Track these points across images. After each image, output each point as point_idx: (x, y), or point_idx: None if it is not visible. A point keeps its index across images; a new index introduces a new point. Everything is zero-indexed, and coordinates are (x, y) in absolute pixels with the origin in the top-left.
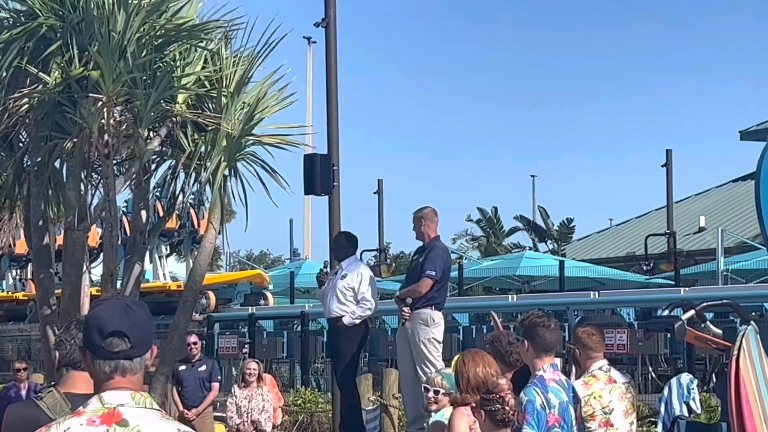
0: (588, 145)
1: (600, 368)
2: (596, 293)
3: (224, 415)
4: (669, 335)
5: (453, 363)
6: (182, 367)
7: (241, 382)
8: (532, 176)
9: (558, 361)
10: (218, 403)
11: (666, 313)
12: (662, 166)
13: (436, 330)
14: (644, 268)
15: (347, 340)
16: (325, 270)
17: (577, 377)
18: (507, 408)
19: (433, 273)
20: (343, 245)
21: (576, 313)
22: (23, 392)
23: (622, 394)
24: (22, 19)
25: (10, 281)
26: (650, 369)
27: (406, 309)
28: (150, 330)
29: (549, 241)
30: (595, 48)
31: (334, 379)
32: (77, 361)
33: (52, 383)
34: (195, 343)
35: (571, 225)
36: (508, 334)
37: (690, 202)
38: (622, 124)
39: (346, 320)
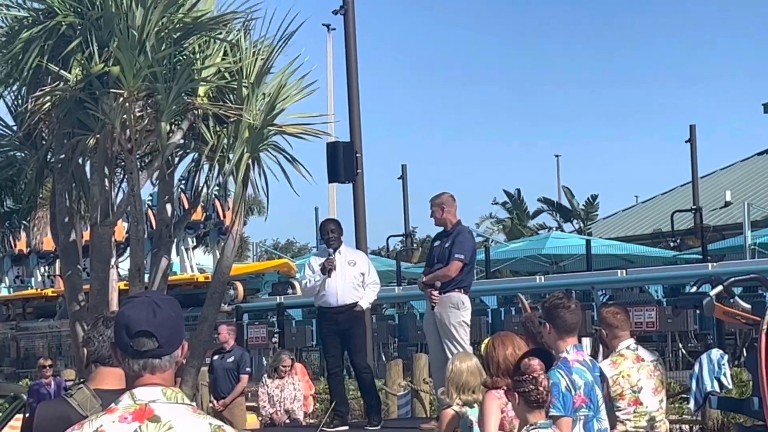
0: (611, 123)
1: (627, 347)
2: (623, 271)
3: (256, 405)
4: (698, 311)
5: (483, 347)
6: (215, 357)
7: (273, 373)
8: (556, 156)
9: (587, 341)
10: (249, 393)
11: (694, 289)
12: (686, 141)
13: (465, 313)
14: (671, 244)
15: (361, 324)
16: (331, 258)
17: (605, 357)
18: (541, 389)
19: (462, 256)
20: (338, 231)
21: (604, 292)
22: (51, 388)
23: (651, 372)
24: (41, 17)
25: (39, 278)
26: (680, 346)
27: (435, 293)
28: (179, 327)
29: (575, 221)
30: (616, 24)
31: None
32: (105, 358)
33: (82, 380)
34: (221, 334)
35: (596, 203)
36: (539, 315)
37: (715, 176)
38: (645, 100)
39: (363, 304)
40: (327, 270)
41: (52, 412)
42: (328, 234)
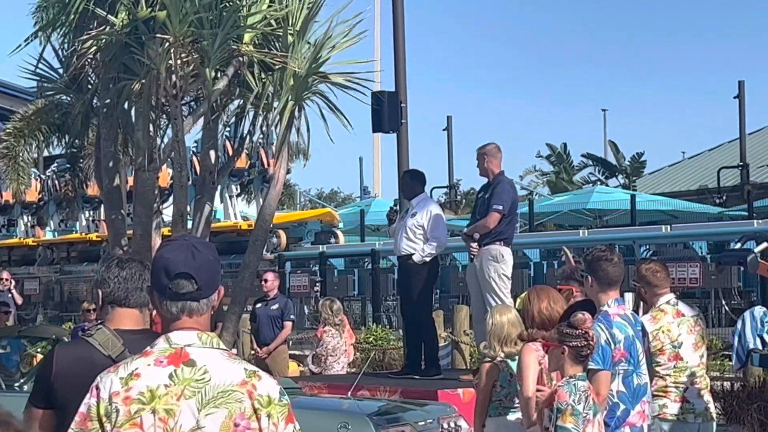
0: (659, 78)
1: (667, 302)
2: (668, 227)
3: (300, 353)
4: (742, 268)
5: (518, 300)
6: (258, 305)
7: (336, 326)
8: (603, 110)
9: (629, 296)
10: (291, 341)
11: (739, 245)
12: (734, 97)
13: (505, 265)
14: (717, 200)
15: (418, 277)
16: (395, 207)
17: (645, 313)
18: (592, 343)
19: (500, 207)
20: (408, 183)
21: (648, 247)
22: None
23: (691, 327)
24: None
25: (83, 222)
26: (723, 302)
27: (474, 245)
28: (217, 271)
29: (620, 176)
30: None
31: (405, 316)
32: (121, 299)
33: (100, 321)
34: (267, 281)
35: (642, 159)
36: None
37: (763, 133)
38: (693, 56)
39: (416, 258)
40: (389, 219)
41: (73, 353)
42: (401, 183)
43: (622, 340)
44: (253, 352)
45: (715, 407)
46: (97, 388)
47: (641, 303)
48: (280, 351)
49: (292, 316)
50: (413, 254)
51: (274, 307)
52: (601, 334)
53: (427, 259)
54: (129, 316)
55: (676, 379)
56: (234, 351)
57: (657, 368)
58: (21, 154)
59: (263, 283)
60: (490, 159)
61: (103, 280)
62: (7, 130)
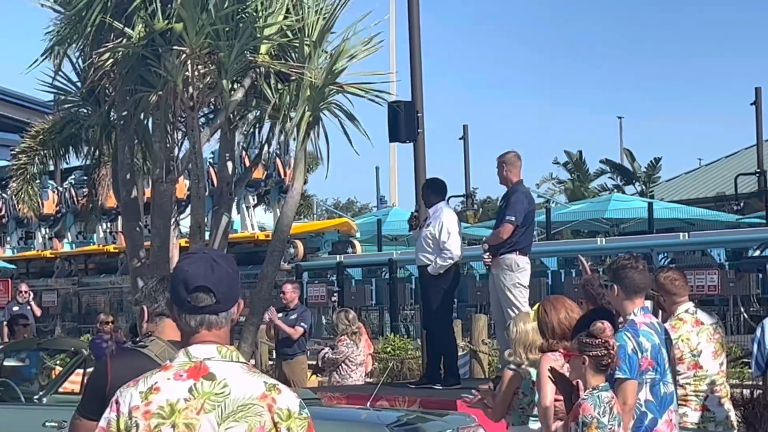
0: (675, 84)
1: (686, 311)
2: (685, 234)
3: (317, 363)
4: (761, 275)
5: (533, 312)
6: (279, 315)
7: (353, 336)
8: (619, 118)
9: (648, 303)
10: (309, 351)
11: (757, 253)
12: (751, 104)
13: (521, 275)
14: (734, 207)
15: (436, 286)
16: (415, 214)
17: (663, 321)
18: (612, 352)
19: (513, 218)
20: (426, 193)
21: (665, 255)
22: (113, 344)
23: (710, 335)
24: None
25: (101, 234)
26: (742, 310)
27: (486, 255)
28: (236, 284)
29: (636, 183)
30: None
31: (425, 326)
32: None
33: (151, 332)
34: (286, 293)
35: (659, 166)
36: (599, 277)
37: None
38: (709, 62)
39: (430, 269)
40: (410, 226)
41: (129, 364)
42: (421, 193)
43: (649, 349)
44: (271, 362)
45: (735, 415)
46: (117, 402)
47: (660, 311)
48: (298, 361)
49: (303, 324)
50: (429, 265)
51: (293, 317)
52: (627, 343)
53: (441, 271)
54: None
55: (696, 387)
56: (252, 362)
57: (677, 377)
58: (34, 175)
59: (282, 294)
60: (509, 168)
61: (152, 297)
62: (23, 146)
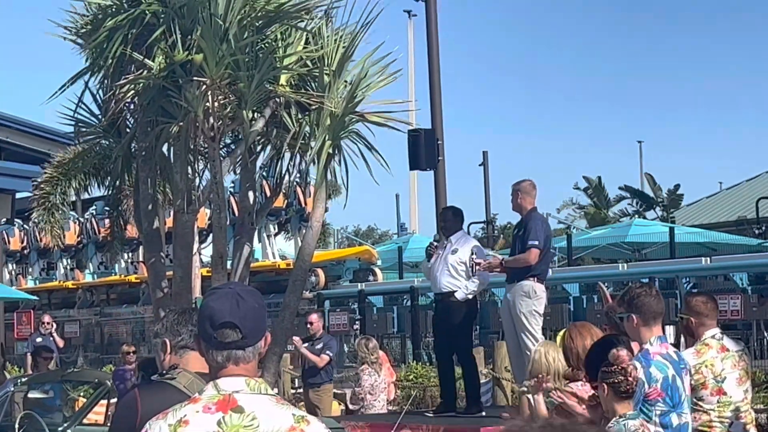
0: (695, 108)
1: (713, 336)
2: (708, 259)
3: (340, 391)
4: None
5: (559, 338)
6: (305, 345)
7: (373, 364)
8: (639, 142)
9: (670, 329)
10: (332, 380)
11: None
12: None
13: (538, 302)
14: (756, 231)
15: (459, 313)
16: (435, 243)
17: (688, 347)
18: (630, 379)
19: (537, 242)
20: (450, 219)
21: (687, 280)
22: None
23: (735, 362)
24: (126, 6)
25: (123, 265)
26: (765, 334)
27: (478, 260)
28: (262, 318)
29: (657, 208)
30: (699, 10)
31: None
32: (192, 345)
33: (176, 365)
34: (313, 323)
35: (679, 192)
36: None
37: None
38: (729, 86)
39: (458, 295)
40: (428, 255)
41: (158, 397)
42: (441, 220)
43: (659, 380)
44: (293, 391)
45: None
46: None
47: (683, 338)
48: (325, 389)
49: (329, 352)
50: (455, 291)
51: (319, 346)
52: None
53: (470, 296)
54: (202, 360)
55: (720, 413)
56: (276, 391)
57: (700, 403)
58: (56, 204)
59: (309, 325)
60: (524, 196)
61: (177, 332)
62: (45, 176)
